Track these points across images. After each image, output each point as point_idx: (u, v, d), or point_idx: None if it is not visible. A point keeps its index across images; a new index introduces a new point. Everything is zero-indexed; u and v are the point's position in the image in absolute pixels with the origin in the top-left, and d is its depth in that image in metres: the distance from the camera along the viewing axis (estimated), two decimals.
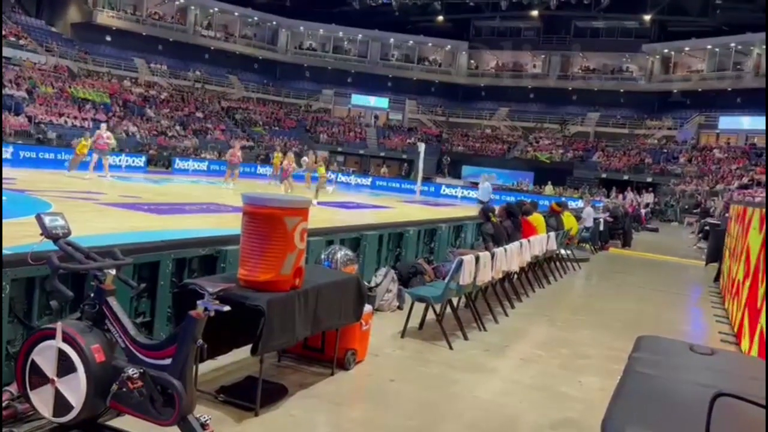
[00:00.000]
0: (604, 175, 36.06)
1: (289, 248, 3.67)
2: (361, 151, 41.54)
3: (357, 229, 7.03)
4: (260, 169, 30.82)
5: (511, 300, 7.34)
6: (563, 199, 21.01)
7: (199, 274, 4.67)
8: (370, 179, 34.12)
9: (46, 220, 3.15)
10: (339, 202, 18.50)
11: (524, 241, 7.59)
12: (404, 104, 45.30)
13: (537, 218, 9.39)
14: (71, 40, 36.94)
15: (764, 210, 5.67)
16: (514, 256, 6.98)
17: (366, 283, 5.51)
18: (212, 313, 2.98)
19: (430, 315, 5.80)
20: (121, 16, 38.53)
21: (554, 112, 42.98)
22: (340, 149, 41.25)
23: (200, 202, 13.71)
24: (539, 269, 9.19)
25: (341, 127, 42.88)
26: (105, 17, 37.87)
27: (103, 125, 19.82)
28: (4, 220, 8.84)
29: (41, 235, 3.16)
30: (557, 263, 10.24)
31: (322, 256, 5.30)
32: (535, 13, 37.55)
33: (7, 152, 21.93)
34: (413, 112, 45.45)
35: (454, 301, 6.07)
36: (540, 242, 8.43)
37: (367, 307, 4.68)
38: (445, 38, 43.68)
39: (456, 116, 45.02)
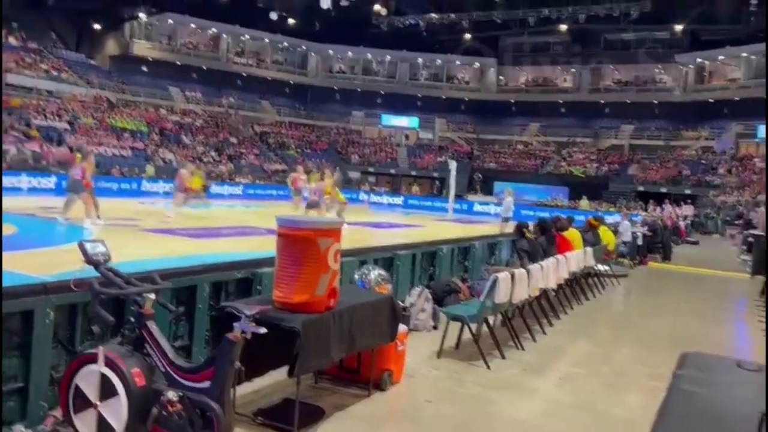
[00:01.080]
0: (640, 188, 35.38)
1: (323, 269, 3.69)
2: (393, 171, 41.71)
3: (390, 248, 7.04)
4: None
5: (549, 317, 7.22)
6: (600, 213, 20.70)
7: (235, 297, 4.72)
8: (401, 198, 34.17)
9: (88, 246, 3.25)
10: (371, 222, 18.55)
11: (561, 257, 7.48)
12: (434, 123, 45.41)
13: (573, 233, 9.26)
14: (109, 72, 38.17)
15: None
16: (550, 272, 6.88)
17: (400, 303, 5.49)
18: (249, 336, 3.02)
19: (466, 334, 5.73)
20: (156, 47, 39.72)
21: (587, 126, 42.52)
22: (371, 169, 41.50)
23: (235, 226, 13.92)
24: (577, 285, 9.03)
25: (372, 148, 43.17)
26: (141, 48, 39.10)
27: (189, 164, 18.09)
28: (49, 248, 9.13)
29: (83, 261, 3.25)
30: (595, 279, 10.05)
31: (356, 276, 5.31)
32: (563, 27, 37.37)
33: (51, 182, 22.68)
34: (443, 131, 45.51)
35: (491, 319, 5.99)
36: (577, 258, 8.29)
37: (402, 327, 4.66)
38: (473, 56, 43.79)
39: (486, 133, 44.91)
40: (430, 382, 4.90)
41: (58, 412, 3.29)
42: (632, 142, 40.54)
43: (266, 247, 6.01)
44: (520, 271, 5.93)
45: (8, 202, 11.89)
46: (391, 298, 4.53)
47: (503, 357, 5.63)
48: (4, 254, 8.21)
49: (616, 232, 13.11)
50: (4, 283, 3.32)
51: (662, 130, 40.38)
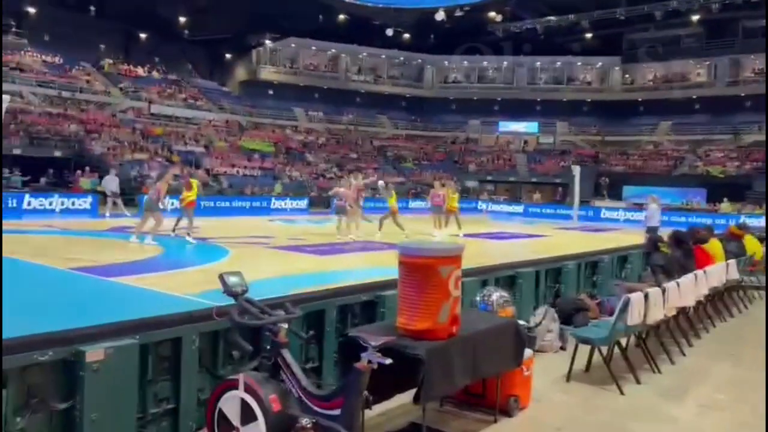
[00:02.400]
0: None
1: (445, 297, 3.72)
2: (512, 178, 40.90)
3: (511, 266, 6.91)
4: (411, 204, 31.46)
5: (688, 337, 6.74)
6: (743, 217, 19.00)
7: (360, 320, 4.87)
8: (522, 207, 33.38)
9: (228, 279, 3.51)
10: (491, 233, 18.29)
11: (700, 272, 6.95)
12: (555, 127, 44.05)
13: (713, 245, 8.55)
14: (239, 97, 40.92)
15: None
16: (688, 289, 6.42)
17: (524, 323, 5.38)
18: (376, 366, 3.11)
19: (597, 356, 5.49)
20: (281, 71, 42.04)
21: (724, 122, 39.22)
22: (489, 178, 40.98)
23: (357, 241, 14.30)
24: (719, 301, 8.34)
25: (489, 156, 42.66)
26: (267, 73, 41.58)
27: (380, 182, 18.43)
28: (188, 269, 9.92)
29: (224, 293, 3.52)
30: (740, 293, 9.23)
31: (477, 298, 5.27)
32: (695, 18, 34.87)
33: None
34: (565, 134, 44.02)
35: (623, 340, 5.70)
36: (718, 272, 7.67)
37: (528, 352, 4.56)
38: (595, 56, 42.09)
39: (612, 134, 42.81)
40: (559, 408, 4.75)
41: None
42: None
43: (386, 262, 6.17)
44: (654, 291, 5.59)
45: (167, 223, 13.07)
46: (515, 323, 4.46)
47: (638, 381, 5.33)
48: (153, 275, 9.05)
49: (762, 239, 11.95)
50: (156, 308, 3.66)
51: None
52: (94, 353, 3.08)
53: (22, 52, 31.34)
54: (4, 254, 10.28)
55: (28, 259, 9.90)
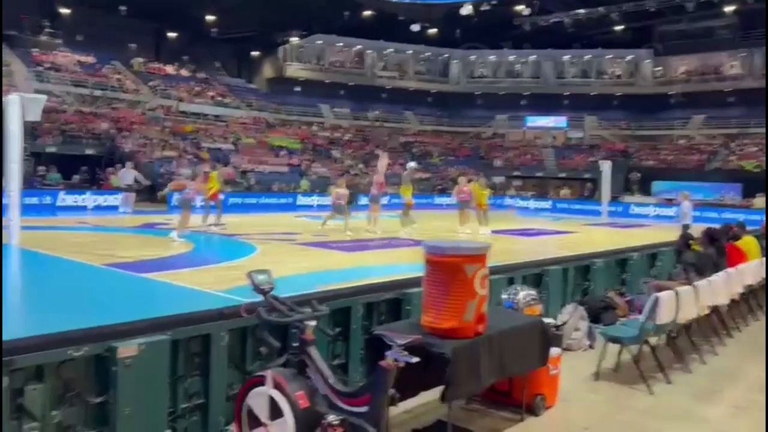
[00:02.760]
0: None
1: (470, 296, 3.72)
2: (539, 174, 40.45)
3: (539, 264, 6.86)
4: (437, 200, 31.38)
5: (720, 335, 6.61)
6: None
7: (386, 317, 4.90)
8: (550, 202, 33.03)
9: (255, 277, 3.56)
10: (519, 230, 18.14)
11: (732, 270, 6.82)
12: (583, 121, 43.43)
13: (748, 242, 8.38)
14: (266, 94, 41.21)
15: None
16: (721, 287, 6.31)
17: (552, 321, 5.34)
18: (402, 364, 3.12)
19: (626, 355, 5.43)
20: (307, 67, 42.22)
21: (759, 115, 38.16)
22: (516, 173, 40.59)
23: (382, 238, 14.33)
24: (753, 299, 8.16)
25: (516, 151, 42.26)
26: (294, 70, 41.78)
27: (411, 164, 18.99)
28: (217, 265, 10.06)
29: (252, 290, 3.57)
30: None
31: (503, 296, 5.24)
32: (729, 9, 34.00)
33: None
34: (594, 129, 43.38)
35: (652, 339, 5.62)
36: (753, 269, 7.50)
37: (555, 350, 4.54)
38: (625, 48, 41.37)
39: (643, 129, 42.05)
40: (586, 407, 4.71)
41: (233, 427, 3.63)
42: None
43: (412, 259, 6.17)
44: (685, 289, 5.51)
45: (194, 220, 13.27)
46: (541, 321, 4.43)
47: (668, 381, 5.26)
48: (183, 271, 9.20)
49: None
50: (186, 305, 3.73)
51: None
52: (126, 349, 3.16)
53: (57, 52, 32.01)
54: (42, 250, 10.59)
55: (64, 255, 10.15)
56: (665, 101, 41.86)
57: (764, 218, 14.33)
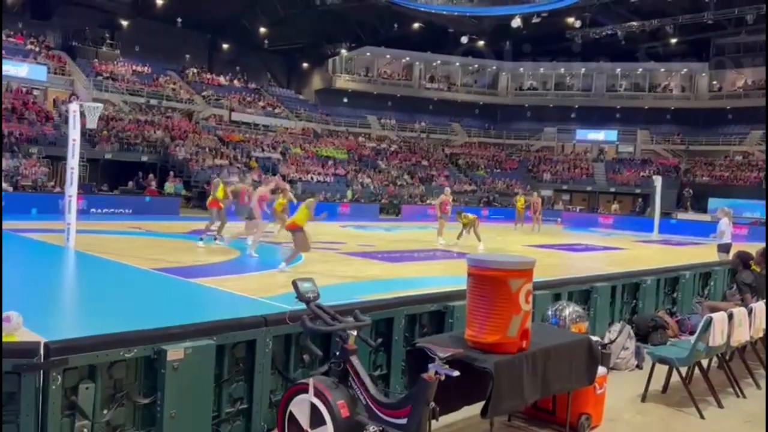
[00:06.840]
0: None
1: (515, 310, 3.67)
2: (589, 188, 39.71)
3: (586, 281, 6.70)
4: (484, 212, 31.11)
5: None
6: None
7: (429, 329, 4.87)
8: (599, 218, 32.34)
9: (300, 285, 3.60)
10: (567, 245, 17.84)
11: None
12: (635, 135, 42.47)
13: None
14: (315, 105, 41.85)
15: None
16: None
17: (599, 339, 5.22)
18: (443, 377, 3.11)
19: (675, 376, 5.25)
20: (355, 79, 42.68)
21: None
22: (565, 187, 39.96)
23: (428, 249, 14.32)
24: None
25: (565, 165, 41.60)
26: (342, 81, 42.31)
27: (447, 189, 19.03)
28: (263, 272, 10.22)
29: (296, 298, 3.62)
30: None
31: (549, 312, 5.15)
32: None
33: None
34: (646, 143, 42.37)
35: (704, 361, 5.42)
36: None
37: (602, 369, 4.42)
38: (679, 62, 40.34)
39: (697, 144, 40.82)
40: (633, 429, 4.57)
41: None
42: None
43: (455, 271, 6.15)
44: (739, 311, 5.30)
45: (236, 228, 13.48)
46: (588, 339, 4.33)
47: (720, 406, 5.06)
48: (230, 277, 9.39)
49: None
50: (232, 310, 3.79)
51: None
52: (174, 352, 3.24)
53: (115, 63, 33.29)
54: (97, 254, 10.99)
55: (117, 259, 10.50)
56: (721, 116, 40.57)
57: None
